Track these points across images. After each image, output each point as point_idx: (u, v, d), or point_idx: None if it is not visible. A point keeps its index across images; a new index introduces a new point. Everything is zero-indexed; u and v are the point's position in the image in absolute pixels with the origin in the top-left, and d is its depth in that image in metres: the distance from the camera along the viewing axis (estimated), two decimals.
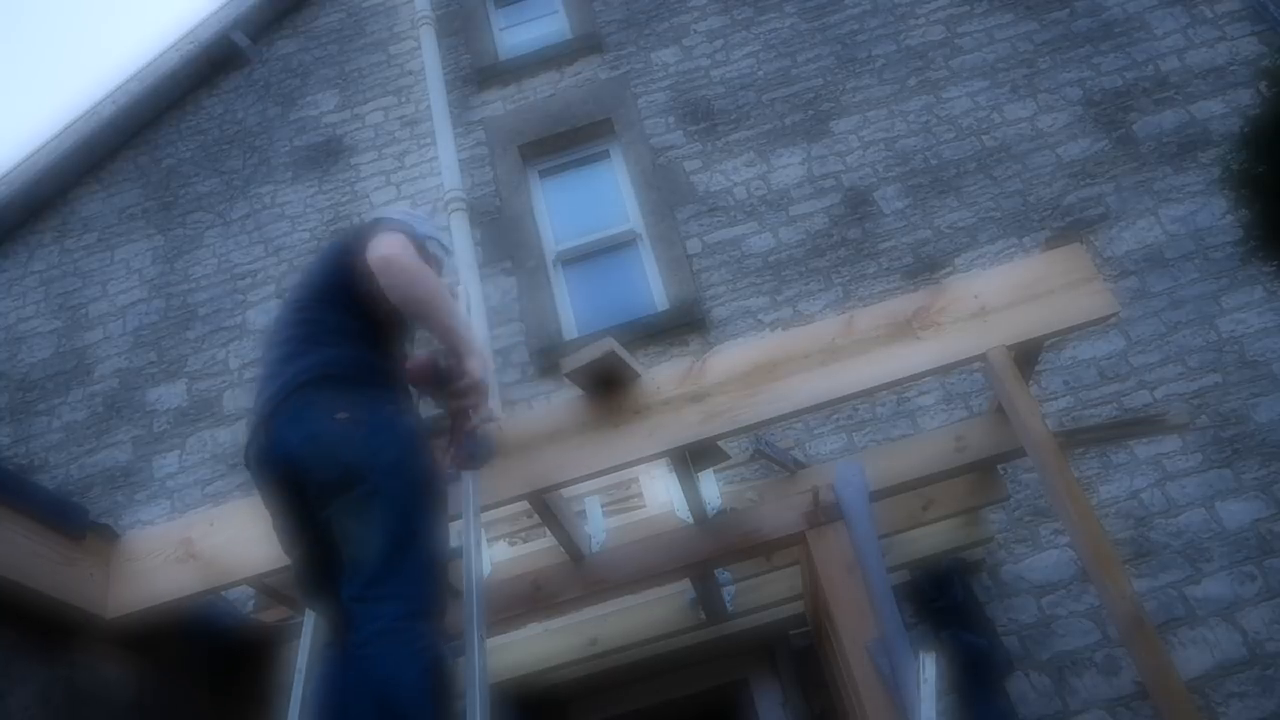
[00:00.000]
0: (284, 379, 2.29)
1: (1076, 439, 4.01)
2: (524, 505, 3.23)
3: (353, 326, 2.35)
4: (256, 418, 2.33)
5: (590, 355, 2.82)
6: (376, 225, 2.49)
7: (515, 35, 7.29)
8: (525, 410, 5.20)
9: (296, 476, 2.21)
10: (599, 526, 3.60)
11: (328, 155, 6.84)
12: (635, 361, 2.93)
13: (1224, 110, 5.63)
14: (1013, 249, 5.42)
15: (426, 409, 2.60)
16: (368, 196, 6.57)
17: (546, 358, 5.61)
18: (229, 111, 7.27)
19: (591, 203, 6.51)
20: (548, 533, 3.41)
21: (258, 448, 2.31)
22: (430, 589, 2.13)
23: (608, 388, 2.90)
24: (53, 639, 2.87)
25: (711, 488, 3.57)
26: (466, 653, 2.21)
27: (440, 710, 2.01)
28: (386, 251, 2.27)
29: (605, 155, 6.64)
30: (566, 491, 3.24)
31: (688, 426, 2.87)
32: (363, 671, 1.94)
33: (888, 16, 6.53)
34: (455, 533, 2.52)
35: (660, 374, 2.98)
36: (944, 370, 2.90)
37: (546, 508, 3.12)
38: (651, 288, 5.97)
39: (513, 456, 2.88)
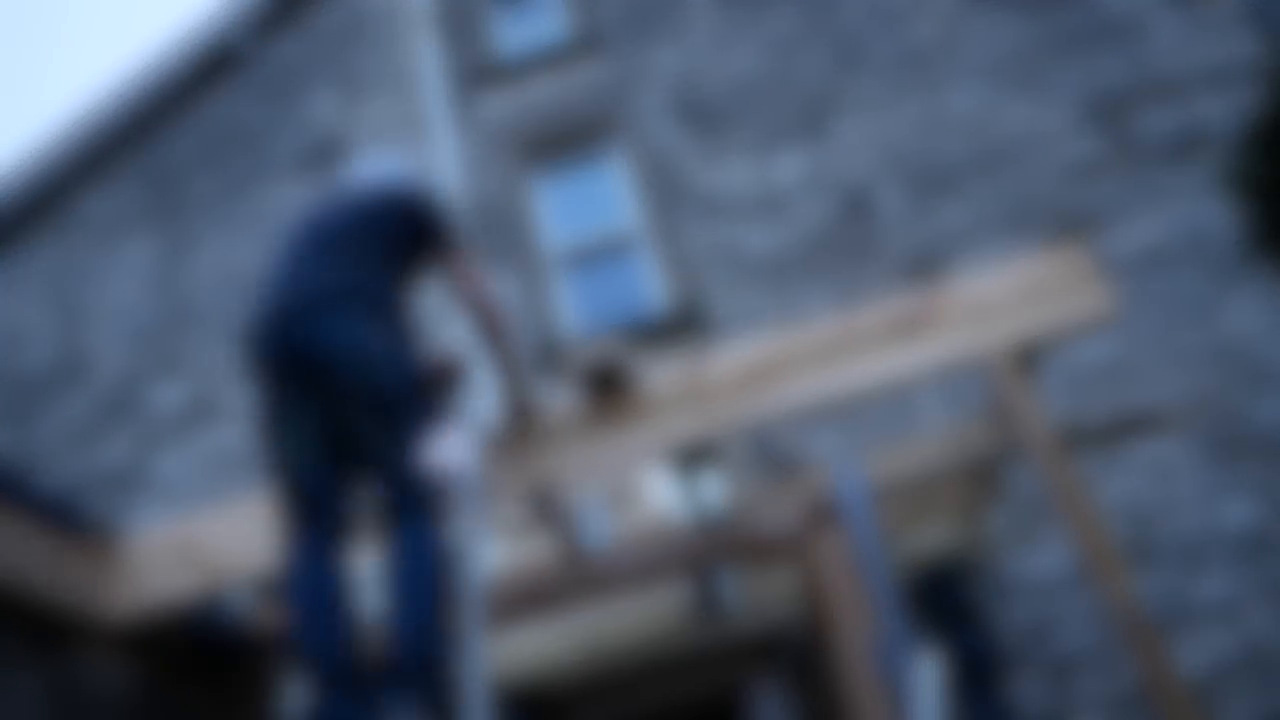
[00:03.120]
0: (326, 283, 2.39)
1: (1076, 439, 4.01)
2: (524, 505, 3.24)
3: (392, 265, 2.54)
4: (286, 309, 2.36)
5: (593, 355, 2.82)
6: (453, 230, 2.71)
7: (515, 35, 7.29)
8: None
9: (320, 374, 2.30)
10: (599, 526, 3.60)
11: (327, 155, 6.84)
12: (636, 361, 2.93)
13: (1224, 110, 5.63)
14: (1012, 249, 5.42)
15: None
16: None
17: (546, 357, 5.61)
18: (229, 111, 7.27)
19: (591, 202, 6.51)
20: (548, 532, 3.41)
21: (282, 339, 2.34)
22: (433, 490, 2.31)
23: (609, 387, 2.90)
24: (52, 639, 2.87)
25: (711, 488, 3.57)
26: (466, 653, 2.21)
27: (446, 589, 2.22)
28: (496, 300, 2.71)
29: (605, 155, 6.64)
30: (566, 491, 3.24)
31: (688, 426, 2.87)
32: (416, 551, 2.18)
33: (887, 16, 6.53)
34: (457, 534, 2.53)
35: (660, 374, 2.98)
36: (944, 370, 2.90)
37: (547, 507, 3.12)
38: (651, 288, 5.98)
39: (514, 455, 2.88)
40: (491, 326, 2.72)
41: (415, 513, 2.24)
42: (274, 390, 2.36)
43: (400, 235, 2.60)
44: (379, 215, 2.60)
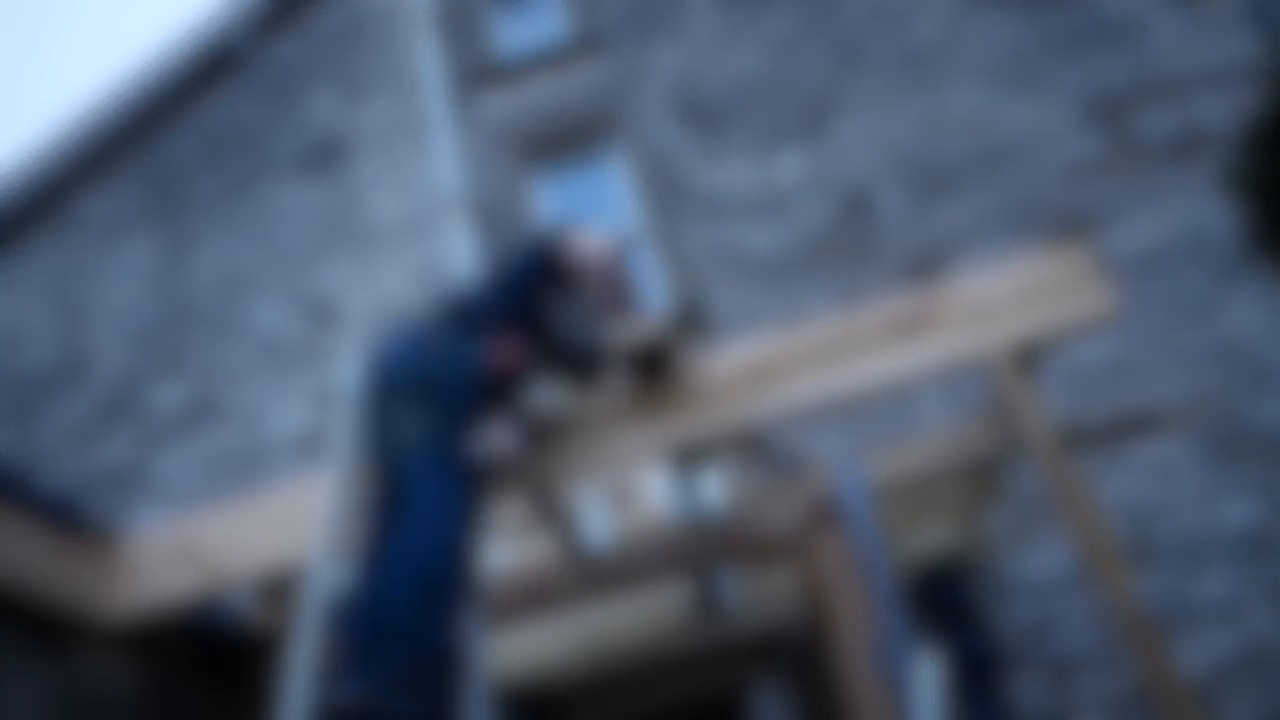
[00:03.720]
0: (429, 329, 2.64)
1: (1076, 439, 4.02)
2: (525, 504, 3.23)
3: (502, 314, 2.68)
4: (389, 352, 2.61)
5: (640, 334, 2.78)
6: (562, 250, 2.83)
7: (515, 35, 7.29)
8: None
9: (387, 383, 2.51)
10: (599, 526, 3.60)
11: (327, 155, 6.84)
12: (685, 342, 2.92)
13: (1224, 110, 5.63)
14: (1012, 249, 5.42)
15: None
16: (367, 196, 6.57)
17: None
18: (229, 111, 7.27)
19: (591, 203, 6.51)
20: (548, 532, 3.41)
21: (379, 371, 2.57)
22: (475, 488, 2.41)
23: (657, 369, 2.86)
24: (52, 639, 2.87)
25: (712, 487, 3.58)
26: (467, 653, 2.21)
27: (461, 583, 2.24)
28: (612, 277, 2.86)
29: (605, 155, 6.65)
30: (567, 491, 3.24)
31: (686, 426, 2.87)
32: (411, 539, 2.22)
33: (887, 16, 6.53)
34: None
35: (665, 374, 2.97)
36: (944, 370, 2.90)
37: (547, 507, 3.12)
38: (651, 288, 5.98)
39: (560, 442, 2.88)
40: (612, 300, 2.85)
41: (435, 493, 2.29)
42: (367, 411, 2.58)
43: (521, 285, 2.75)
44: (501, 277, 2.79)
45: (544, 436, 2.84)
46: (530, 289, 2.74)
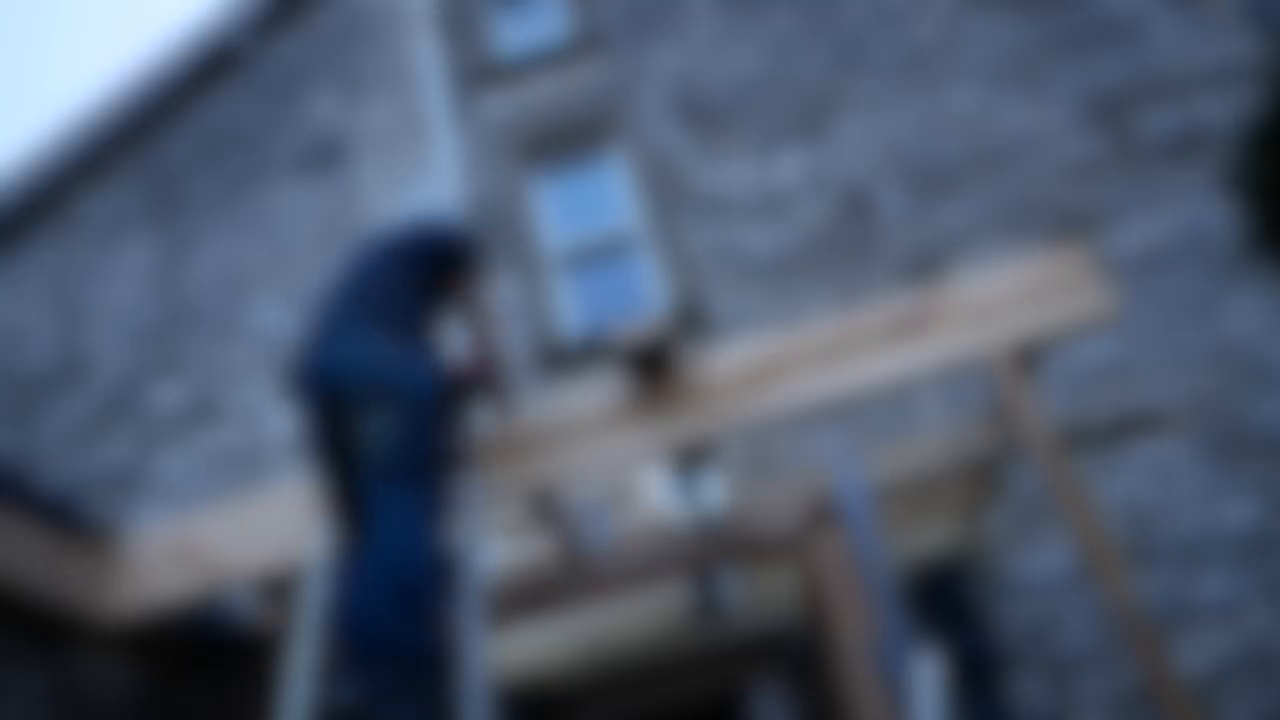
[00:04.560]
0: (350, 313, 2.60)
1: (1076, 439, 4.01)
2: (524, 505, 3.24)
3: (418, 290, 2.73)
4: (314, 345, 2.58)
5: (638, 334, 2.78)
6: (476, 258, 2.89)
7: (515, 35, 7.29)
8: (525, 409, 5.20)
9: (344, 393, 2.48)
10: (599, 526, 3.60)
11: (327, 155, 6.84)
12: (683, 343, 2.92)
13: (1224, 110, 5.63)
14: (1012, 249, 5.41)
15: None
16: (367, 196, 6.57)
17: (545, 358, 5.61)
18: (229, 111, 7.27)
19: (591, 203, 6.51)
20: (548, 532, 3.41)
21: (311, 372, 2.55)
22: (440, 490, 2.40)
23: (655, 370, 2.87)
24: (52, 639, 2.88)
25: (711, 488, 3.58)
26: (466, 653, 2.21)
27: (436, 584, 2.25)
28: (497, 340, 2.92)
29: (605, 155, 6.64)
30: (566, 491, 3.24)
31: (686, 427, 2.87)
32: (378, 547, 2.23)
33: (887, 16, 6.53)
34: (459, 532, 2.54)
35: (664, 374, 2.97)
36: (944, 370, 2.90)
37: (547, 507, 3.12)
38: (651, 288, 5.97)
39: (513, 454, 2.88)
40: (486, 359, 2.86)
41: (400, 502, 2.29)
42: (314, 416, 2.55)
43: (425, 266, 2.78)
44: (406, 249, 2.79)
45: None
46: (432, 282, 2.78)
